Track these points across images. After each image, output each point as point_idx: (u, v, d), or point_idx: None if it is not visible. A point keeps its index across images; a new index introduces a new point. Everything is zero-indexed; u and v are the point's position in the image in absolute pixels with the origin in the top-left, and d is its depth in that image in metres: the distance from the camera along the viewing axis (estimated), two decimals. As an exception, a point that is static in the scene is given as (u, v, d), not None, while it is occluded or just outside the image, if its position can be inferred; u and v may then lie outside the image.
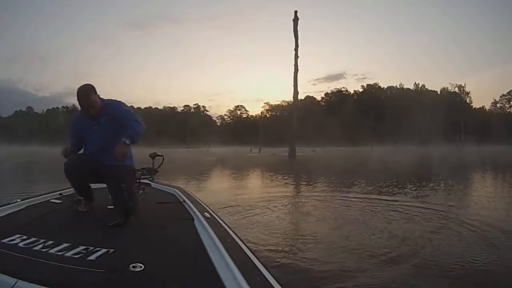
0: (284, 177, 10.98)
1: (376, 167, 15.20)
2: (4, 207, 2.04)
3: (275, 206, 5.61)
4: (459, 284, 2.55)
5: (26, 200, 2.27)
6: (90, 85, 2.14)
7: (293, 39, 28.20)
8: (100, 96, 2.18)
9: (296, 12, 28.46)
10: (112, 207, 2.12)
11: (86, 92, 2.09)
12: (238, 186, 9.44)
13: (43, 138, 56.58)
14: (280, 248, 3.27)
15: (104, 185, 2.19)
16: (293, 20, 28.55)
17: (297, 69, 28.04)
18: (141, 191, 2.84)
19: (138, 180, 3.07)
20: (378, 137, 56.27)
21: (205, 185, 9.02)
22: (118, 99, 2.28)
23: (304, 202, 6.15)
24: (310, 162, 20.23)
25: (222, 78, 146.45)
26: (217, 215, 2.09)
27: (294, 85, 28.28)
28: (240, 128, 77.98)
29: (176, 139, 66.40)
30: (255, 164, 18.49)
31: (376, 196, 6.67)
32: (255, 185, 9.70)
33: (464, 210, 5.34)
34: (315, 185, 8.95)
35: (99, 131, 2.17)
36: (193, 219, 1.91)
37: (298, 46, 28.07)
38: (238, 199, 6.29)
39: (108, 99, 2.24)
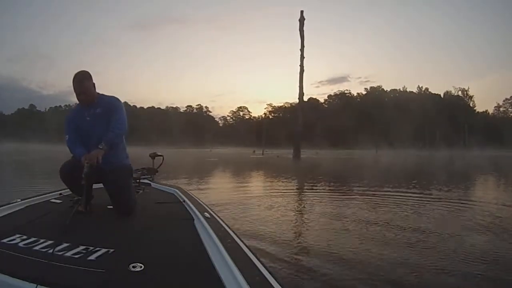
0: (310, 184, 9.44)
1: (393, 170, 14.80)
2: (4, 207, 2.03)
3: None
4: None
5: (26, 200, 2.25)
6: (86, 71, 2.17)
7: (298, 39, 27.88)
8: (101, 93, 2.23)
9: (302, 12, 28.07)
10: (112, 207, 2.13)
11: (80, 77, 2.12)
12: (255, 190, 8.14)
13: (43, 136, 56.35)
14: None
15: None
16: (299, 20, 28.19)
17: (303, 69, 27.65)
18: (141, 191, 2.84)
19: (138, 180, 3.07)
20: (381, 140, 55.92)
21: (222, 192, 7.70)
22: (120, 98, 2.30)
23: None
24: (318, 165, 18.71)
25: (224, 79, 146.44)
26: (217, 215, 2.06)
27: (299, 86, 27.86)
28: (243, 129, 77.67)
29: (178, 140, 66.13)
30: (262, 167, 17.71)
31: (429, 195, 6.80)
32: (278, 190, 8.01)
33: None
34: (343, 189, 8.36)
35: (91, 122, 2.16)
36: (193, 219, 1.90)
37: (304, 47, 27.71)
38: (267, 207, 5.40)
39: (108, 95, 2.27)
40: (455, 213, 5.08)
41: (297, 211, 5.22)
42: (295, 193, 7.36)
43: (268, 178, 11.61)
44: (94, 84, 2.17)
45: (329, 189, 8.28)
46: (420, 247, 3.24)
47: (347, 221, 4.39)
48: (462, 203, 5.88)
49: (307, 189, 8.44)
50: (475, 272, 2.60)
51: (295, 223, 4.44)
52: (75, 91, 2.12)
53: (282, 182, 9.65)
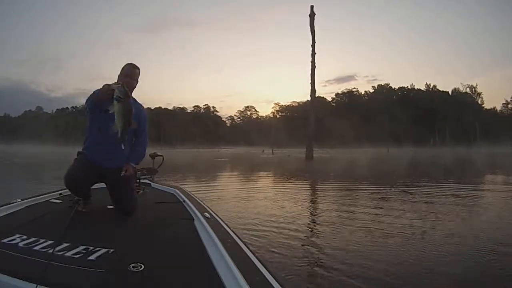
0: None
1: (427, 169, 14.05)
2: (4, 207, 2.03)
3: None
4: None
5: (26, 200, 2.26)
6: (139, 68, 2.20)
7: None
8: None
9: (312, 7, 27.40)
10: (112, 207, 2.13)
11: (135, 65, 2.16)
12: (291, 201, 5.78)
13: (49, 138, 56.31)
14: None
15: (104, 185, 2.17)
16: (310, 15, 27.55)
17: (314, 66, 26.84)
18: (141, 191, 2.84)
19: (138, 180, 3.06)
20: (391, 138, 55.05)
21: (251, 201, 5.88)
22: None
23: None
24: (340, 166, 16.73)
25: (232, 79, 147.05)
26: (217, 215, 2.04)
27: (311, 83, 27.05)
28: (250, 129, 77.19)
29: (186, 140, 65.91)
30: (280, 168, 16.00)
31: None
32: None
33: None
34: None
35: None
36: (193, 219, 1.89)
37: (315, 43, 27.04)
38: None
39: (137, 101, 2.23)
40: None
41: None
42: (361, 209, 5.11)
43: (299, 185, 8.69)
44: (137, 83, 2.18)
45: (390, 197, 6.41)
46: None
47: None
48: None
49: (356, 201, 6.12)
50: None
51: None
52: (122, 72, 2.11)
53: (321, 191, 7.68)
